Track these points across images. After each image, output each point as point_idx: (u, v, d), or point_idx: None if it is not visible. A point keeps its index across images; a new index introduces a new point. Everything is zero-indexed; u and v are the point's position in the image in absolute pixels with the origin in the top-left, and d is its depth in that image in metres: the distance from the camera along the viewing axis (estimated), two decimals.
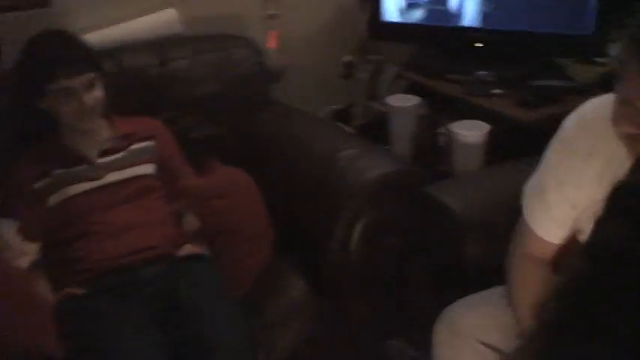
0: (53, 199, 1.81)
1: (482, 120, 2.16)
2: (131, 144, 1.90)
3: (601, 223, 0.62)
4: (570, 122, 1.52)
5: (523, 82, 2.26)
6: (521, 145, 2.02)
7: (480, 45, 2.37)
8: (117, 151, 1.88)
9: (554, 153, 1.54)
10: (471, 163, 2.11)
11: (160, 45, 2.16)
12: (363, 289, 1.88)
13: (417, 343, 1.87)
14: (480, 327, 1.56)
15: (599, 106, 1.49)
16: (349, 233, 1.83)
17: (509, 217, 1.63)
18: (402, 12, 2.44)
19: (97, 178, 1.82)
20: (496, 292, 1.63)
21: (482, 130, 2.10)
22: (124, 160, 1.87)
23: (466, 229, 1.75)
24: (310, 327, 1.80)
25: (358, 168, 1.92)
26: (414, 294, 1.86)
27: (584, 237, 1.52)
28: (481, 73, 2.29)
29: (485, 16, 2.36)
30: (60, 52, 1.78)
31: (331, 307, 1.84)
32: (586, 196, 1.48)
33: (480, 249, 1.75)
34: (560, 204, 1.51)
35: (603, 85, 2.05)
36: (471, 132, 2.10)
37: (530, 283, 1.56)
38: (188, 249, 1.83)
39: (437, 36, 2.45)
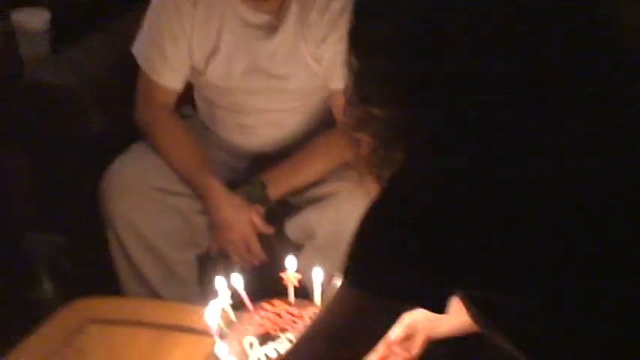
0: None
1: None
2: None
3: None
4: None
5: None
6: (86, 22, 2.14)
7: None
8: None
9: (160, 11, 1.70)
10: (40, 49, 2.13)
11: None
12: None
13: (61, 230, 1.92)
14: (145, 175, 1.70)
15: None
16: None
17: (125, 79, 1.79)
18: None
19: None
20: (142, 145, 1.78)
21: (43, 16, 2.12)
22: None
23: (87, 101, 1.83)
24: None
25: None
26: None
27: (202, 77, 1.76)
28: None
29: None
30: None
31: None
32: (199, 40, 1.70)
33: (104, 116, 1.85)
34: (177, 54, 1.71)
35: None
36: (34, 17, 2.11)
37: (172, 128, 1.77)
38: None
39: None
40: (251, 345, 1.22)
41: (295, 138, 1.83)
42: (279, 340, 1.24)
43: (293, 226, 1.73)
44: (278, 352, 1.21)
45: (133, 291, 1.73)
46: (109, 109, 1.86)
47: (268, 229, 1.72)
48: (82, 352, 1.32)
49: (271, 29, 1.69)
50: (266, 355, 1.21)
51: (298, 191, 1.74)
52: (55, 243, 1.89)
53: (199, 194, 1.72)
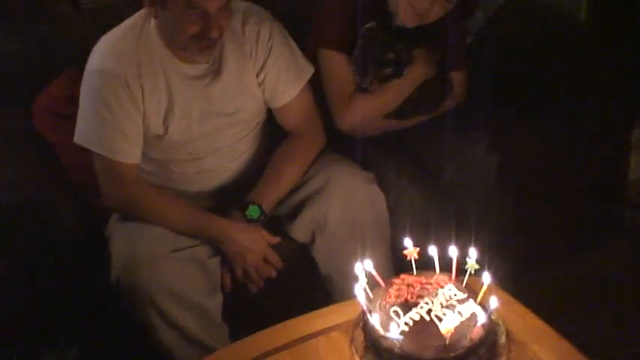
0: None
1: None
2: None
3: None
4: (98, 64, 1.75)
5: None
6: None
7: None
8: None
9: (107, 92, 1.73)
10: None
11: None
12: None
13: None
14: (156, 244, 1.75)
15: (119, 40, 1.77)
16: None
17: None
18: None
19: None
20: (123, 222, 1.84)
21: None
22: None
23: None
24: None
25: None
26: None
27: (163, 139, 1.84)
28: None
29: None
30: None
31: None
32: (152, 107, 1.79)
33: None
34: (135, 128, 1.78)
35: None
36: None
37: (154, 195, 1.85)
38: None
39: None
40: (396, 313, 1.32)
41: (246, 167, 1.98)
42: (419, 305, 1.34)
43: (298, 227, 1.90)
44: (421, 316, 1.31)
45: (182, 353, 1.77)
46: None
47: (276, 239, 1.88)
48: None
49: (216, 74, 1.83)
50: (412, 319, 1.31)
51: (283, 200, 1.91)
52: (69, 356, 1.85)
53: (207, 237, 1.81)
